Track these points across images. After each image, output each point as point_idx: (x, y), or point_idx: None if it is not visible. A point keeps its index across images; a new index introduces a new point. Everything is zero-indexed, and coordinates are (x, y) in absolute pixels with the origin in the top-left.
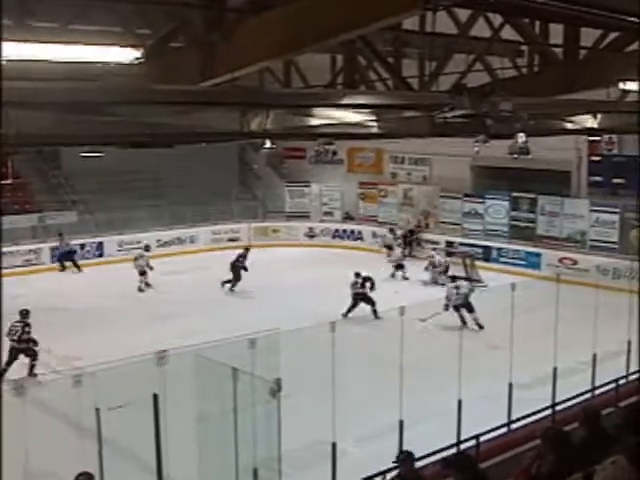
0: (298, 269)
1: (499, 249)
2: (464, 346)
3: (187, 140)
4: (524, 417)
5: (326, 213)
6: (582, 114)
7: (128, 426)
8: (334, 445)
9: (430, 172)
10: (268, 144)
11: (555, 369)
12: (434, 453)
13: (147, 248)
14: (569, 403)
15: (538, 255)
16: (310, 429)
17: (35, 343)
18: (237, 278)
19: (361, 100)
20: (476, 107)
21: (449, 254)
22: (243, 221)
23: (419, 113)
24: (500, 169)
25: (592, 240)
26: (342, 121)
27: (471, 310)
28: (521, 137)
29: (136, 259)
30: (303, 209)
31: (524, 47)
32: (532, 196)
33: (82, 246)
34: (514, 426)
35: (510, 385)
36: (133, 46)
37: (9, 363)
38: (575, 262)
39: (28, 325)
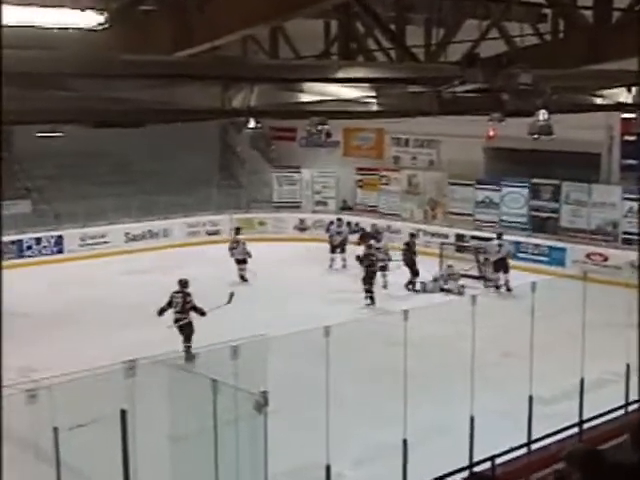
0: (287, 267)
1: (517, 244)
2: (476, 353)
3: (160, 119)
4: (546, 436)
5: (319, 203)
6: (614, 87)
7: (91, 447)
8: (328, 468)
9: (438, 156)
10: (252, 123)
11: (582, 381)
12: (443, 477)
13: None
14: (599, 420)
15: (562, 250)
16: (301, 449)
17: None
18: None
19: (359, 73)
20: (491, 80)
21: (459, 249)
22: (224, 212)
23: (425, 88)
24: (518, 152)
25: (625, 233)
26: (337, 97)
27: (507, 270)
28: (543, 114)
29: (232, 248)
30: (293, 198)
31: (547, 10)
32: (555, 182)
33: (38, 240)
34: (535, 446)
35: (530, 399)
36: (95, 9)
37: (188, 338)
38: (605, 258)
39: (189, 295)
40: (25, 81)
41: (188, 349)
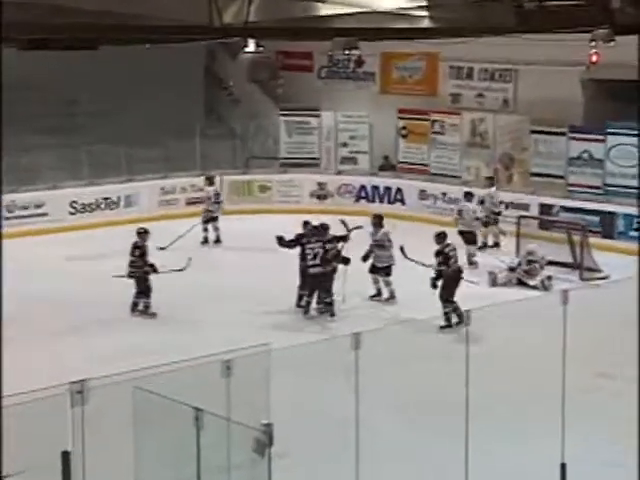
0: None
1: (628, 217)
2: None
3: (121, 38)
4: None
5: (346, 160)
6: None
7: None
8: None
9: (514, 92)
10: (251, 46)
11: None
12: None
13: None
14: None
15: None
16: None
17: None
18: None
19: None
20: None
21: (545, 226)
22: (211, 172)
23: None
24: (632, 84)
25: None
26: (372, 9)
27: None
28: None
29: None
30: (309, 153)
31: None
32: None
33: None
34: None
35: None
36: None
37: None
38: None
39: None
40: None
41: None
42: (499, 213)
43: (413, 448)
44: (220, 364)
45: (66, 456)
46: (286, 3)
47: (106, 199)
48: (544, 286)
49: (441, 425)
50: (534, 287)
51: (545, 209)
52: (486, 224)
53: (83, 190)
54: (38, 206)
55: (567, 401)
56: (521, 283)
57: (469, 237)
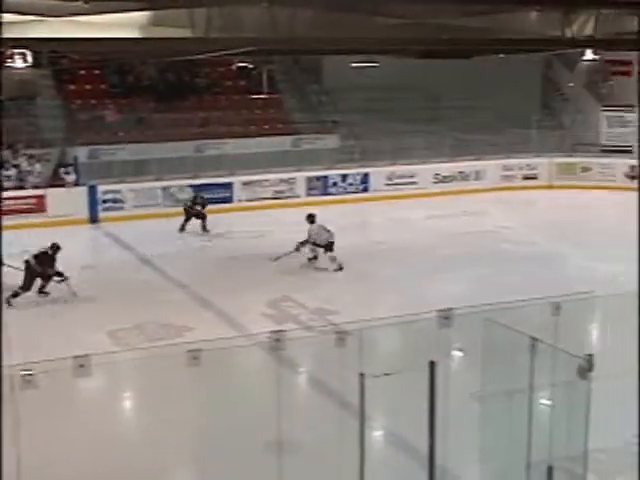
0: (610, 219)
1: None
2: None
3: (488, 49)
4: None
5: None
6: None
7: (397, 398)
8: None
9: None
10: (589, 55)
11: None
12: None
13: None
14: None
15: None
16: (624, 424)
17: None
18: None
19: None
20: None
21: None
22: (543, 155)
23: None
24: None
25: None
26: None
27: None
28: None
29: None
30: (624, 142)
31: None
32: None
33: (344, 177)
34: None
35: None
36: None
37: None
38: None
39: None
40: (344, 7)
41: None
42: None
43: None
44: (551, 304)
45: (432, 364)
46: (622, 19)
47: (461, 172)
48: None
49: None
50: None
51: None
52: None
53: (444, 165)
54: (411, 176)
55: None
56: None
57: None
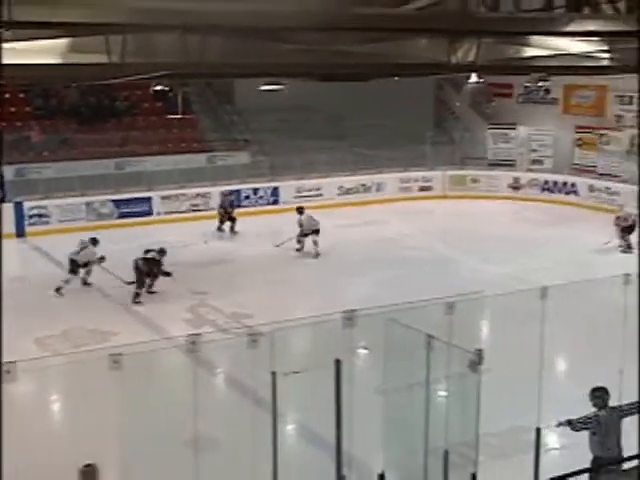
0: (497, 225)
1: None
2: None
3: (384, 73)
4: None
5: (534, 161)
6: None
7: (306, 394)
8: (538, 431)
9: None
10: (474, 78)
11: None
12: None
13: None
14: None
15: None
16: (511, 411)
17: None
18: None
19: (590, 26)
20: None
21: None
22: (437, 168)
23: None
24: None
25: None
26: (567, 51)
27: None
28: None
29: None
30: (507, 156)
31: None
32: None
33: (255, 191)
34: None
35: None
36: None
37: None
38: None
39: None
40: (251, 34)
41: None
42: None
43: (582, 369)
44: (444, 304)
45: (338, 362)
46: (502, 47)
47: (363, 185)
48: None
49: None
50: None
51: None
52: None
53: (348, 178)
54: (317, 189)
55: None
56: None
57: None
